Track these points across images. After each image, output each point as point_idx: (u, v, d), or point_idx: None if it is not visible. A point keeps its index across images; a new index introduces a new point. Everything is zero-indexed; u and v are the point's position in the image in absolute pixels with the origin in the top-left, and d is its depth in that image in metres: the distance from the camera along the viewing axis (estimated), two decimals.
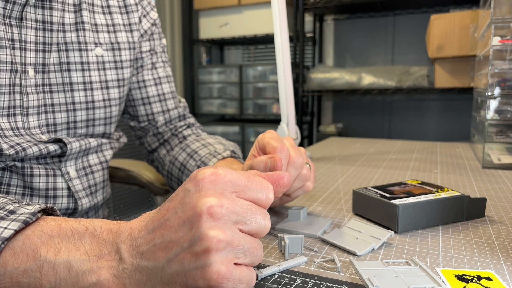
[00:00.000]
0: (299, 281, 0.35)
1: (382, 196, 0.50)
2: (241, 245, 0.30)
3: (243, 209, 0.30)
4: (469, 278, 0.35)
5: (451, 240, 0.45)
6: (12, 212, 0.32)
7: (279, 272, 0.37)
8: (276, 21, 0.85)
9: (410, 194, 0.50)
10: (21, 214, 0.32)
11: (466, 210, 0.50)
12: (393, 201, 0.47)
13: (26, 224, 0.32)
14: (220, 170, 0.31)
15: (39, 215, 0.33)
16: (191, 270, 0.29)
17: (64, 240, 0.31)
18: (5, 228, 0.31)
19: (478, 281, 0.35)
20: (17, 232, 0.32)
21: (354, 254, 0.41)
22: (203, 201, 0.29)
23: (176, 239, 0.29)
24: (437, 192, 0.51)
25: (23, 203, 0.35)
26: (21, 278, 0.31)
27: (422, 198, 0.48)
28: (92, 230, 0.32)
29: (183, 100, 0.80)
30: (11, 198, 0.36)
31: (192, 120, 0.79)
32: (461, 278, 0.35)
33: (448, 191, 0.51)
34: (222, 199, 0.29)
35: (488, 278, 0.35)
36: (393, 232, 0.44)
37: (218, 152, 0.67)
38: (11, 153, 0.49)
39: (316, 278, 0.36)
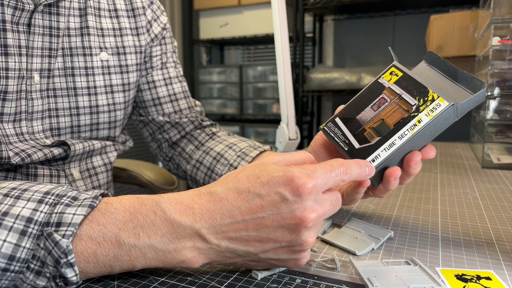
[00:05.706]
0: (299, 281, 0.35)
1: (348, 144, 0.44)
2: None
3: (330, 205, 0.35)
4: (469, 277, 0.35)
5: (451, 240, 0.45)
6: (75, 198, 0.34)
7: (279, 272, 0.37)
8: (276, 21, 0.85)
9: (382, 129, 0.42)
10: (84, 199, 0.33)
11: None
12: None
13: (92, 208, 0.33)
14: (317, 177, 0.33)
15: (100, 197, 0.34)
16: (285, 259, 0.35)
17: (138, 226, 0.33)
18: (74, 214, 0.32)
19: (477, 281, 0.35)
20: (88, 219, 0.33)
21: (354, 254, 0.41)
22: (305, 215, 0.32)
23: (274, 237, 0.33)
24: (418, 110, 0.41)
25: (81, 190, 0.36)
26: (113, 262, 0.33)
27: (397, 139, 0.41)
28: (161, 214, 0.33)
29: (198, 103, 0.77)
30: (68, 186, 0.37)
31: (210, 122, 0.77)
32: (460, 277, 0.35)
33: (432, 99, 0.41)
34: (318, 210, 0.33)
35: (488, 278, 0.35)
36: (392, 232, 0.44)
37: (258, 145, 0.67)
38: (16, 160, 0.49)
39: (316, 278, 0.36)
